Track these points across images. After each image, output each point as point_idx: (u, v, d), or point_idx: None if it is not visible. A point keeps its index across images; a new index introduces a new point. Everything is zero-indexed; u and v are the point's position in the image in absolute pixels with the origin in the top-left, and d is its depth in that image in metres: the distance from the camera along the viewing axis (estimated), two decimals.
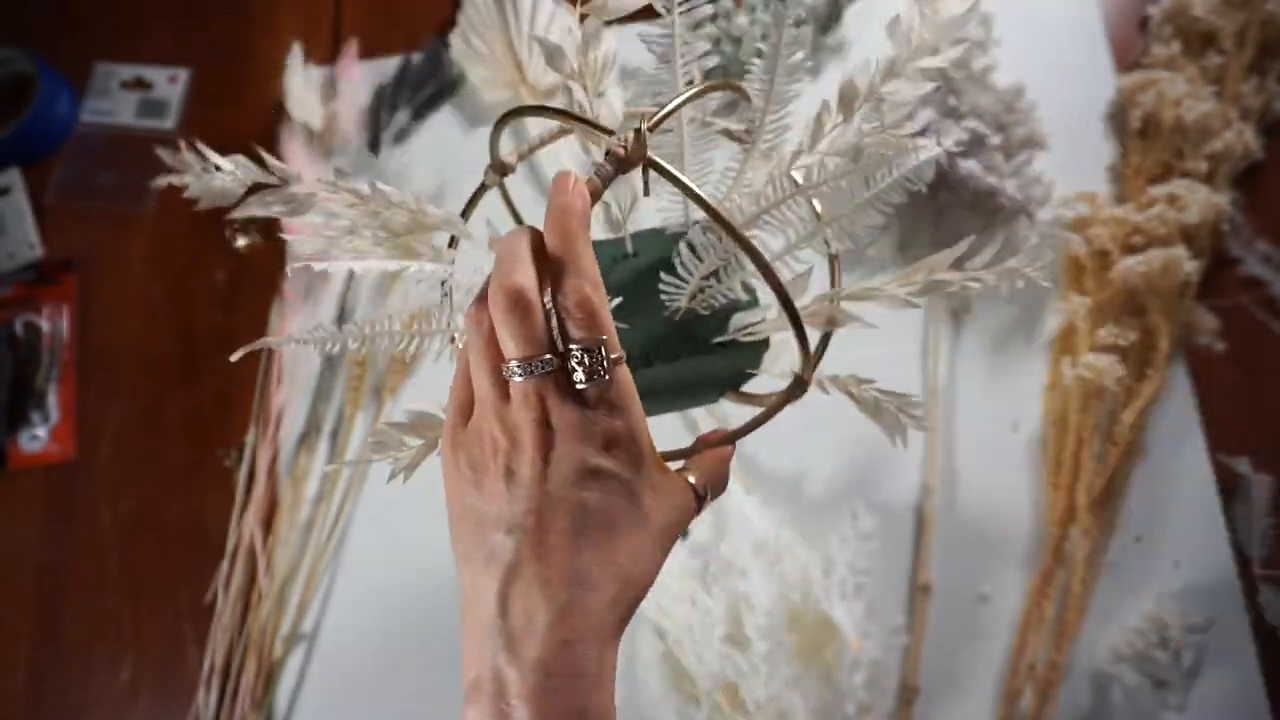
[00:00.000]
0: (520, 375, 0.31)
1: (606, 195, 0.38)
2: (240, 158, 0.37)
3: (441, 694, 0.62)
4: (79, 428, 0.72)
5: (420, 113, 0.77)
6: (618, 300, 0.39)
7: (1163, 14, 0.70)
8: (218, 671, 0.64)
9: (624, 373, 0.32)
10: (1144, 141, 0.67)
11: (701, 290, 0.42)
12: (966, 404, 0.64)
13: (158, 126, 0.80)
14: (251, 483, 0.68)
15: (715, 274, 0.42)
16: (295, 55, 0.77)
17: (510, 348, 0.32)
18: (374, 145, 0.76)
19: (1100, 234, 0.64)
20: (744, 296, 0.43)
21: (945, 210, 0.66)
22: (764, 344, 0.43)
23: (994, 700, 0.58)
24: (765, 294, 0.41)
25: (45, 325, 0.75)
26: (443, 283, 0.39)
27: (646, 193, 0.39)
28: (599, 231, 0.42)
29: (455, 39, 0.76)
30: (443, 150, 0.76)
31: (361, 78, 0.77)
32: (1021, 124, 0.66)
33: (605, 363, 0.31)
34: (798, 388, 0.40)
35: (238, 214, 0.37)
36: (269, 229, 0.76)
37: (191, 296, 0.75)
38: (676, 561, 0.62)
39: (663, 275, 0.41)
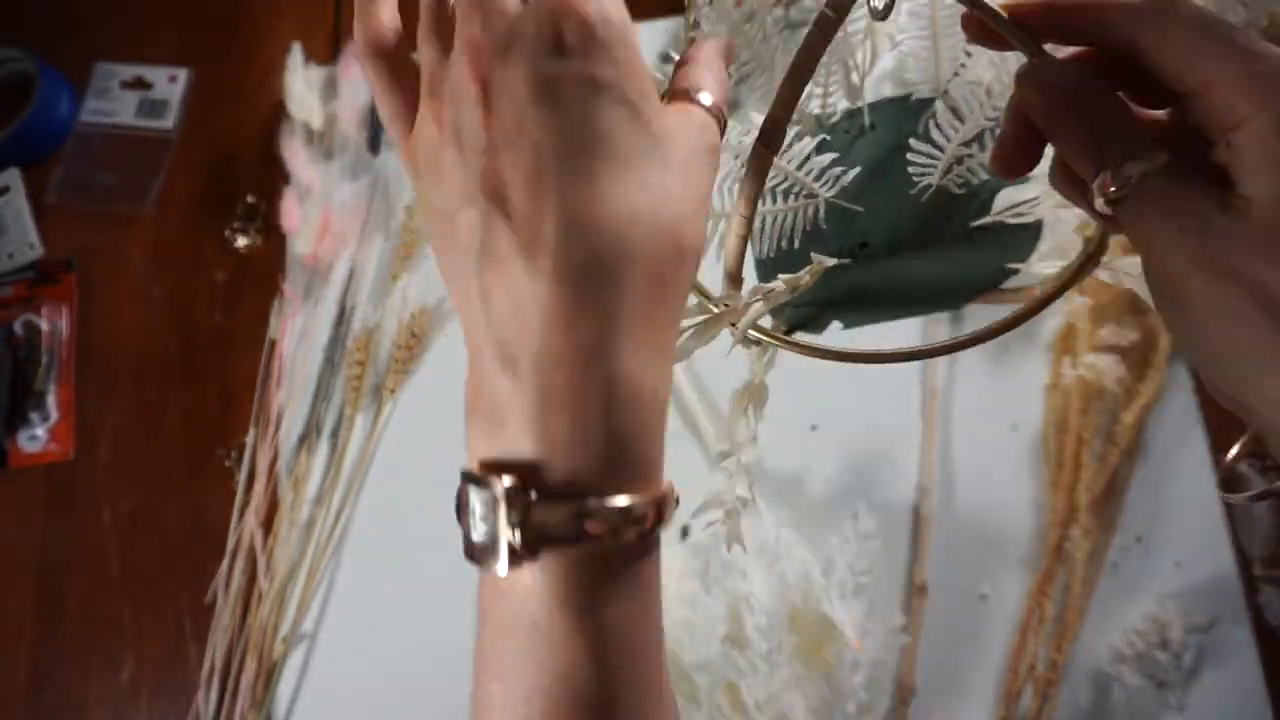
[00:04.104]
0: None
1: (838, 58, 0.32)
2: None
3: (442, 694, 0.62)
4: (78, 427, 0.72)
5: None
6: (855, 174, 0.32)
7: None
8: (218, 671, 0.64)
9: None
10: None
11: (959, 161, 0.34)
12: (966, 404, 0.64)
13: (158, 126, 0.80)
14: (252, 483, 0.68)
15: (978, 139, 0.34)
16: (295, 55, 0.77)
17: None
18: (374, 145, 0.76)
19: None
20: None
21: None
22: (1036, 228, 0.35)
23: (994, 700, 0.58)
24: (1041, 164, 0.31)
25: (45, 325, 0.75)
26: None
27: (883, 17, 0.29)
28: (838, 99, 0.34)
29: None
30: None
31: (361, 77, 0.77)
32: None
33: None
34: (1098, 251, 0.30)
35: None
36: (269, 229, 0.76)
37: (191, 296, 0.75)
38: (677, 562, 0.62)
39: (912, 144, 0.34)
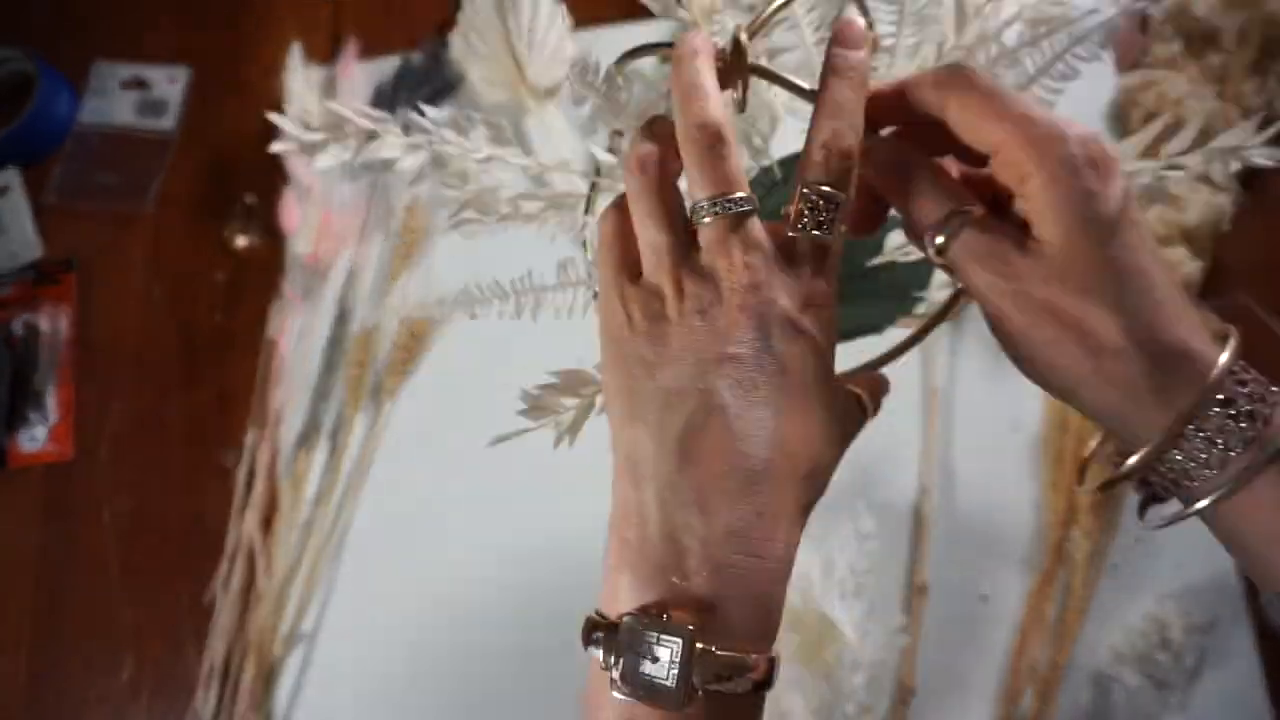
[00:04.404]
0: (711, 216, 0.28)
1: (745, 124, 0.36)
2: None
3: (442, 694, 0.62)
4: (78, 427, 0.72)
5: (420, 112, 0.77)
6: None
7: (1164, 14, 0.70)
8: (217, 671, 0.64)
9: (842, 242, 0.29)
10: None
11: None
12: (966, 404, 0.64)
13: (157, 126, 0.80)
14: (251, 483, 0.68)
15: None
16: (295, 55, 0.77)
17: (701, 186, 0.28)
18: None
19: None
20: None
21: None
22: (926, 270, 0.38)
23: (994, 700, 0.58)
24: None
25: (44, 325, 0.75)
26: (583, 227, 0.37)
27: (743, 109, 0.35)
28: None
29: (455, 38, 0.76)
30: None
31: (361, 77, 0.77)
32: None
33: (838, 219, 0.28)
34: (965, 292, 0.33)
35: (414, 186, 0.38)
36: (269, 229, 0.76)
37: (191, 296, 0.75)
38: None
39: None
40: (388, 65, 0.78)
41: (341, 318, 0.72)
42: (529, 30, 0.74)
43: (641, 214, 0.29)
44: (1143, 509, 0.32)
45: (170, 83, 0.81)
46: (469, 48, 0.75)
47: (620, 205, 0.30)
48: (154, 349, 0.74)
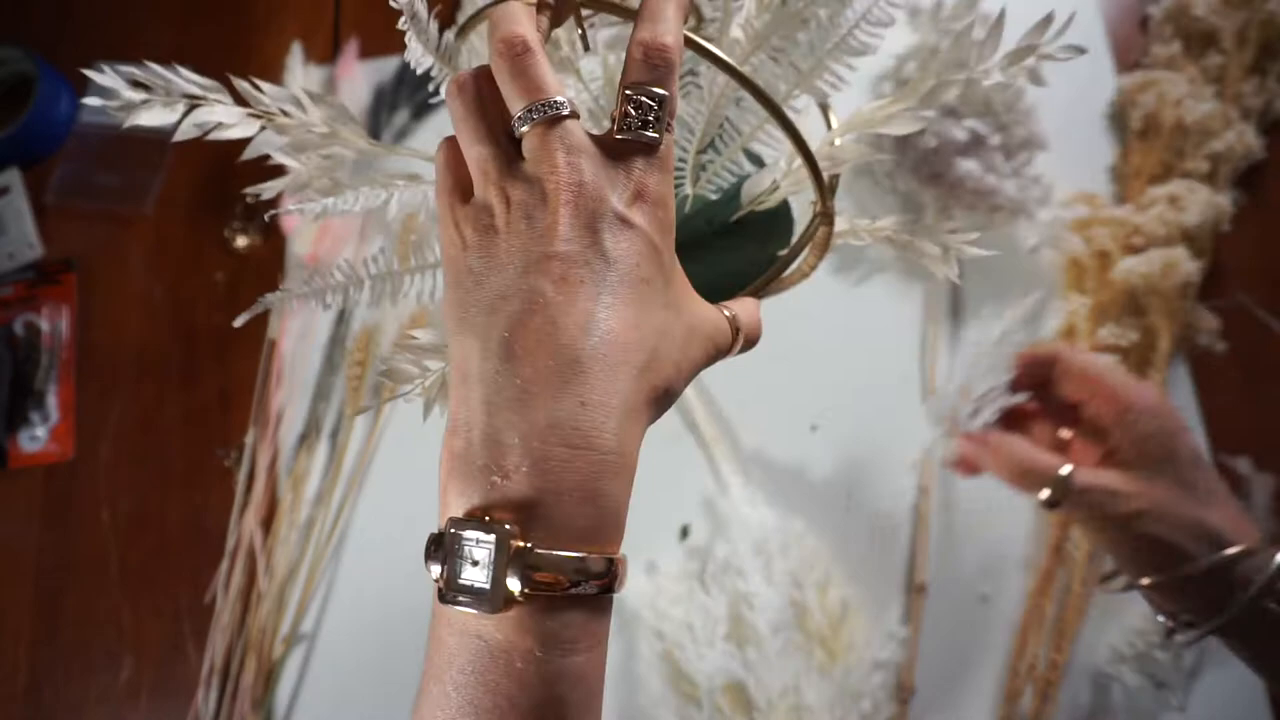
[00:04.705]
0: (529, 124, 0.28)
1: (596, 102, 0.38)
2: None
3: None
4: (78, 428, 0.72)
5: (420, 112, 0.77)
6: None
7: (1163, 14, 0.70)
8: (217, 671, 0.64)
9: (672, 141, 0.29)
10: (1144, 142, 0.67)
11: (703, 168, 0.39)
12: None
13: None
14: (251, 483, 0.68)
15: (711, 145, 0.38)
16: (295, 55, 0.77)
17: (516, 98, 0.29)
18: None
19: (1100, 234, 0.64)
20: (749, 167, 0.39)
21: (944, 211, 0.66)
22: (786, 213, 0.39)
23: (994, 700, 0.58)
24: (770, 157, 0.39)
25: (45, 325, 0.75)
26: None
27: (586, 47, 0.36)
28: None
29: (453, 37, 0.76)
30: None
31: (361, 77, 0.77)
32: (1021, 124, 0.66)
33: (664, 117, 0.28)
34: (822, 219, 0.36)
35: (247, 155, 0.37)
36: (268, 229, 0.76)
37: (191, 296, 0.75)
38: (674, 563, 0.62)
39: None
40: (388, 65, 0.78)
41: (341, 318, 0.73)
42: None
43: (465, 135, 0.30)
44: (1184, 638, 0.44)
45: None
46: (469, 48, 0.75)
47: (453, 137, 0.31)
48: (154, 349, 0.74)
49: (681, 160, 0.38)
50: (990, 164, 0.64)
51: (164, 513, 0.69)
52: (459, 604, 0.26)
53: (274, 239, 0.75)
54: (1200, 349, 0.63)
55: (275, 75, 0.77)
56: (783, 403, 0.65)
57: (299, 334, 0.72)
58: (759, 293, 0.37)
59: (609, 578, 0.26)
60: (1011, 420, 0.50)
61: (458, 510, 0.27)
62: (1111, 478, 0.42)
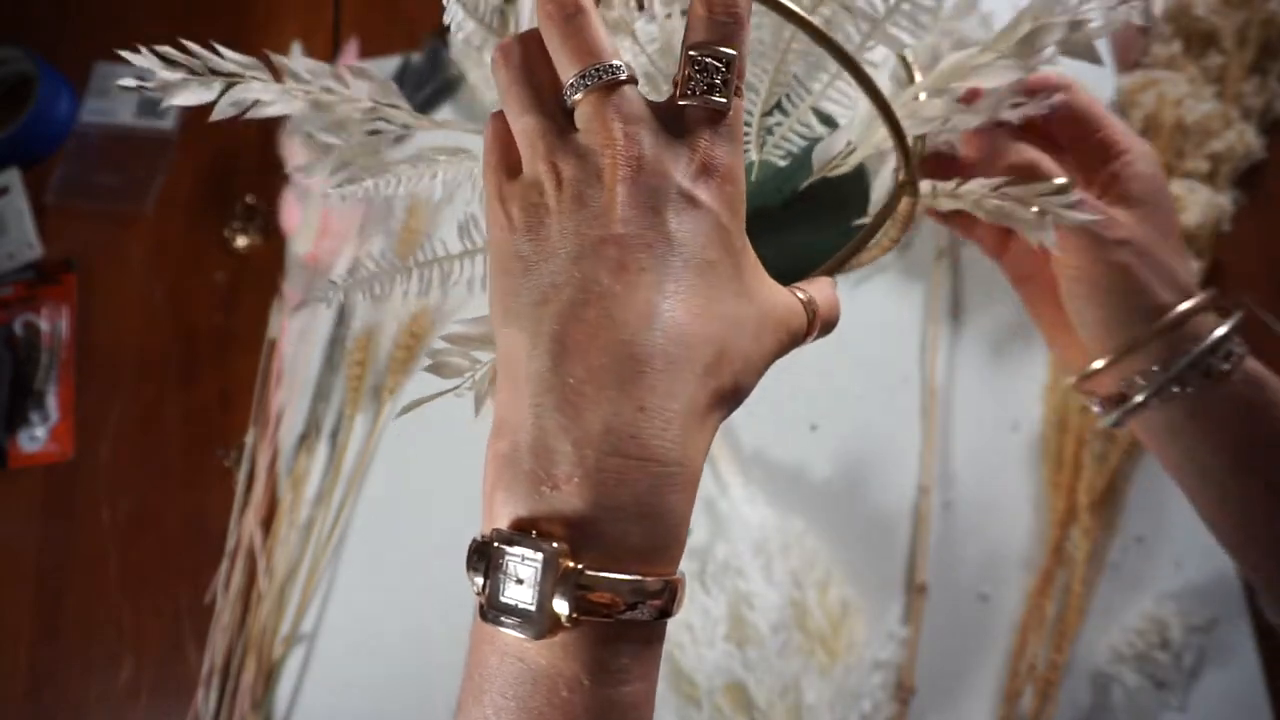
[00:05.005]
0: (582, 91, 0.26)
1: (654, 66, 0.35)
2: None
3: (442, 694, 0.62)
4: (78, 427, 0.72)
5: (420, 112, 0.77)
6: None
7: (1164, 14, 0.70)
8: (217, 671, 0.64)
9: (741, 106, 0.27)
10: None
11: (770, 132, 0.36)
12: (966, 404, 0.64)
13: (158, 126, 0.80)
14: (251, 483, 0.68)
15: (778, 107, 0.36)
16: (296, 55, 0.77)
17: (568, 62, 0.26)
18: None
19: None
20: (821, 129, 0.36)
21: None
22: (862, 179, 0.37)
23: (994, 700, 0.58)
24: (844, 118, 0.36)
25: (45, 325, 0.75)
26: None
27: (642, 6, 0.34)
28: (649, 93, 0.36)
29: (455, 39, 0.76)
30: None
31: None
32: None
33: (732, 80, 0.26)
34: (907, 189, 0.34)
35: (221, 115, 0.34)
36: (269, 229, 0.76)
37: (191, 296, 0.75)
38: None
39: None
40: (388, 65, 0.78)
41: (341, 318, 0.73)
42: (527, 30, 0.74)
43: (512, 106, 0.27)
44: (1116, 412, 0.41)
45: None
46: (469, 48, 0.75)
47: (500, 111, 0.28)
48: (154, 349, 0.74)
49: (746, 124, 0.35)
50: None
51: (164, 513, 0.69)
52: (501, 624, 0.24)
53: (274, 239, 0.75)
54: None
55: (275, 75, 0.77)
56: (783, 402, 0.65)
57: (299, 334, 0.72)
58: (835, 270, 0.33)
59: (666, 600, 0.24)
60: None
61: (503, 520, 0.24)
62: (1103, 205, 0.40)
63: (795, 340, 0.29)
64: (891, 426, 0.64)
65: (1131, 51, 0.71)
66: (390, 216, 0.74)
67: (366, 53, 0.78)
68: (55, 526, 0.70)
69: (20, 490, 0.71)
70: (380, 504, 0.67)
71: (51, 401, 0.73)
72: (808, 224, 0.35)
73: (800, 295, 0.29)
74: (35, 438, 0.72)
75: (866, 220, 0.36)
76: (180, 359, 0.73)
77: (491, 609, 0.24)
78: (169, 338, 0.74)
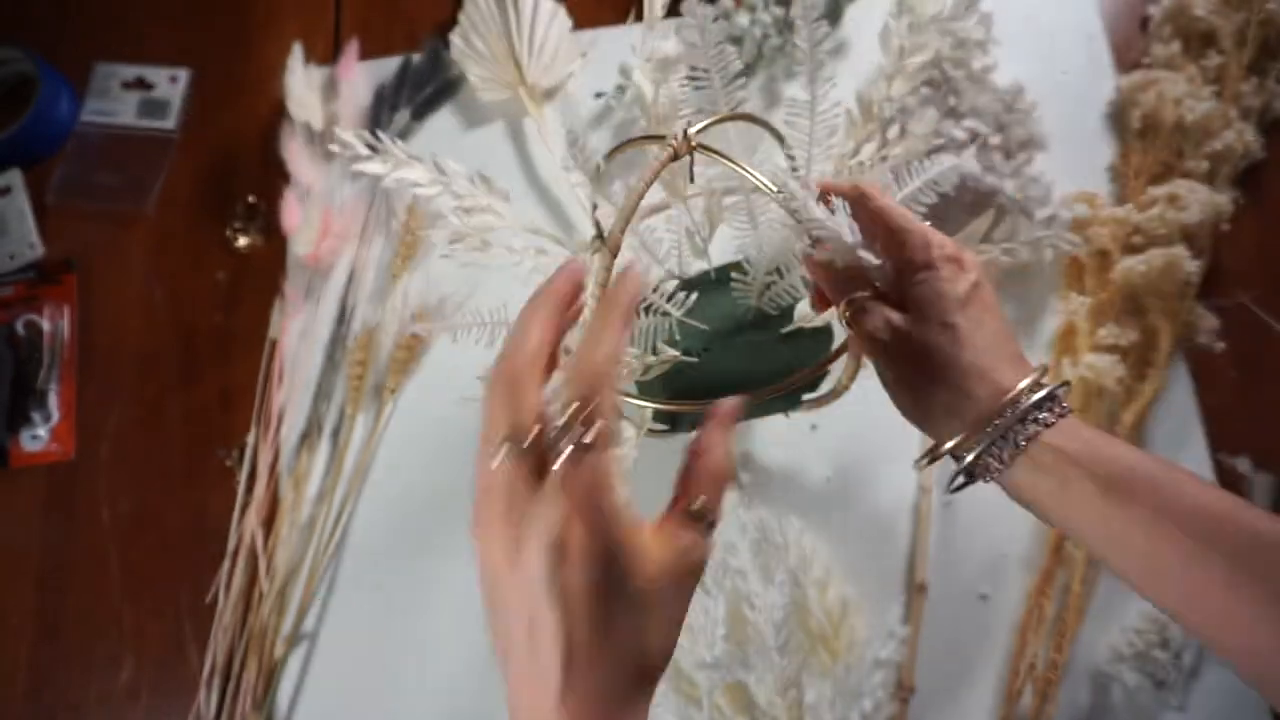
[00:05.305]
0: (499, 459, 0.31)
1: (690, 227, 0.52)
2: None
3: (442, 694, 0.62)
4: (79, 427, 0.72)
5: (420, 113, 0.77)
6: (695, 299, 0.49)
7: (1163, 14, 0.70)
8: (218, 671, 0.64)
9: (607, 443, 0.30)
10: (1144, 141, 0.67)
11: (768, 287, 0.49)
12: None
13: (159, 127, 0.80)
14: (252, 482, 0.68)
15: (778, 271, 0.49)
16: (296, 55, 0.77)
17: (490, 417, 0.32)
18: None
19: (1100, 234, 0.64)
20: (805, 293, 0.49)
21: (944, 209, 0.66)
22: (827, 332, 0.50)
23: (994, 700, 0.58)
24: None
25: (46, 325, 0.75)
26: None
27: (692, 179, 0.49)
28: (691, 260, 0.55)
29: (455, 39, 0.76)
30: (443, 150, 0.76)
31: (362, 78, 0.77)
32: (1021, 124, 0.66)
33: (582, 434, 0.30)
34: (842, 347, 0.47)
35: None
36: (269, 229, 0.76)
37: (192, 296, 0.75)
38: None
39: (732, 276, 0.52)
40: (388, 65, 0.78)
41: (342, 317, 0.73)
42: (529, 31, 0.74)
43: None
44: (950, 485, 0.44)
45: (172, 83, 0.81)
46: (469, 48, 0.75)
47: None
48: (155, 349, 0.74)
49: (751, 280, 0.51)
50: (990, 164, 0.64)
51: (165, 512, 0.69)
52: None
53: (275, 239, 0.75)
54: (1199, 349, 0.63)
55: (276, 76, 0.77)
56: None
57: (300, 333, 0.72)
58: (796, 384, 0.48)
59: None
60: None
61: None
62: (895, 312, 0.42)
63: (698, 569, 0.32)
64: (891, 427, 0.64)
65: (1131, 51, 0.72)
66: (391, 218, 0.75)
67: (367, 53, 0.78)
68: (56, 526, 0.70)
69: (21, 489, 0.71)
70: (381, 503, 0.68)
71: (53, 401, 0.73)
72: (786, 354, 0.50)
73: (698, 516, 0.32)
74: (36, 437, 0.72)
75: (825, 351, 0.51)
76: (181, 359, 0.74)
77: None
78: (170, 337, 0.74)
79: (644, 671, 0.31)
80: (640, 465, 0.63)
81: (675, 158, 0.43)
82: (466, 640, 0.63)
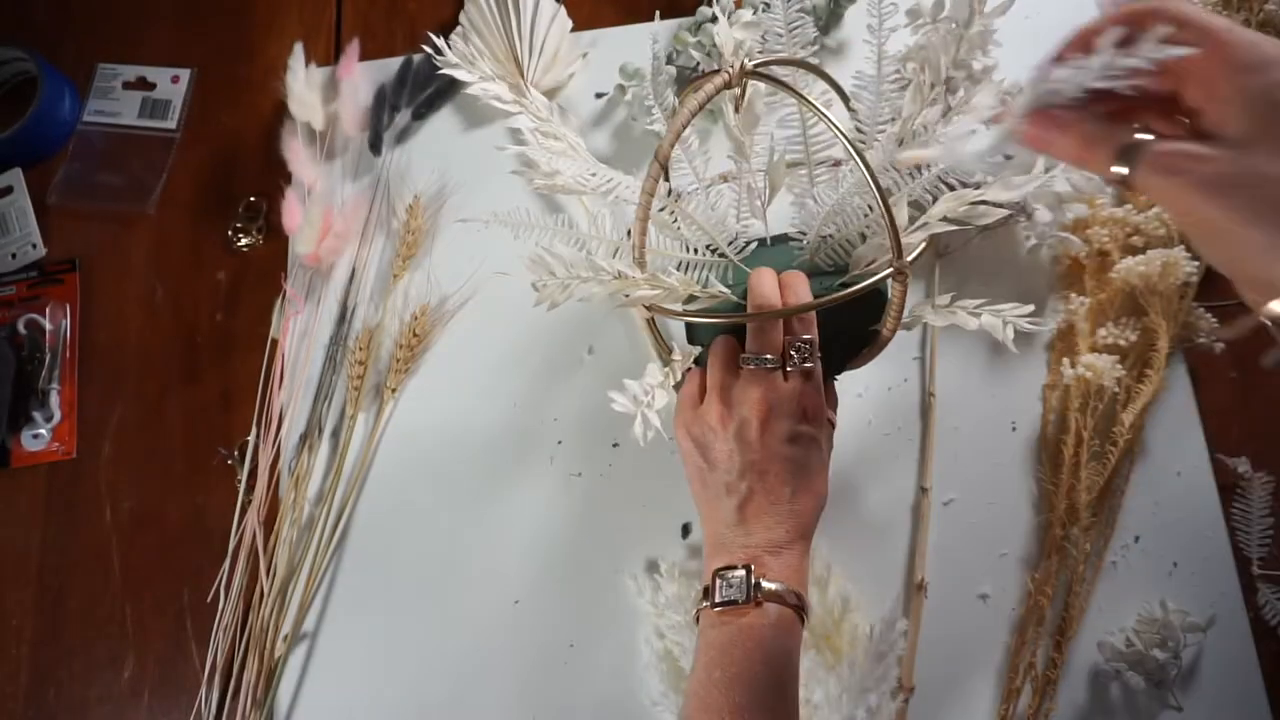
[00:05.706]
0: (753, 364, 0.49)
1: (753, 185, 0.55)
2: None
3: (443, 693, 0.62)
4: (81, 426, 0.72)
5: (421, 113, 0.77)
6: (751, 250, 0.54)
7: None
8: (219, 670, 0.64)
9: (819, 365, 0.50)
10: None
11: (824, 240, 0.53)
12: (966, 404, 0.64)
13: (160, 127, 0.80)
14: (253, 482, 0.68)
15: (835, 226, 0.53)
16: (297, 55, 0.77)
17: (751, 346, 0.50)
18: (375, 145, 0.76)
19: (1100, 234, 0.64)
20: (861, 246, 0.53)
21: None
22: (881, 296, 0.52)
23: (994, 699, 0.58)
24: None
25: (48, 324, 0.75)
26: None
27: (739, 108, 0.53)
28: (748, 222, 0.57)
29: (456, 39, 0.76)
30: (443, 150, 0.77)
31: (363, 77, 0.78)
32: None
33: (811, 355, 0.49)
34: (898, 274, 0.49)
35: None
36: (271, 229, 0.76)
37: (193, 296, 0.75)
38: (676, 562, 0.62)
39: (789, 234, 0.55)
40: (389, 65, 0.78)
41: (343, 317, 0.73)
42: (530, 31, 0.74)
43: (715, 364, 0.52)
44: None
45: (173, 83, 0.81)
46: (469, 48, 0.75)
47: (691, 379, 0.54)
48: (156, 348, 0.74)
49: (802, 234, 0.54)
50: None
51: (166, 512, 0.70)
52: (725, 608, 0.47)
53: (276, 239, 0.76)
54: (1199, 349, 0.63)
55: (278, 76, 0.77)
56: None
57: (301, 333, 0.72)
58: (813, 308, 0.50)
59: (800, 608, 0.48)
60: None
61: (717, 567, 0.49)
62: (1196, 144, 0.34)
63: (831, 444, 0.54)
64: (891, 427, 0.64)
65: None
66: (392, 217, 0.75)
67: (368, 53, 0.79)
68: (58, 525, 0.70)
69: (23, 489, 0.72)
70: (382, 503, 0.68)
71: (54, 400, 0.73)
72: (838, 314, 0.51)
73: (832, 419, 0.54)
74: (38, 436, 0.72)
75: (878, 328, 0.53)
76: (182, 358, 0.74)
77: (719, 604, 0.47)
78: (171, 337, 0.74)
79: (819, 508, 0.51)
80: (641, 465, 0.63)
81: (728, 85, 0.47)
82: (466, 639, 0.63)
